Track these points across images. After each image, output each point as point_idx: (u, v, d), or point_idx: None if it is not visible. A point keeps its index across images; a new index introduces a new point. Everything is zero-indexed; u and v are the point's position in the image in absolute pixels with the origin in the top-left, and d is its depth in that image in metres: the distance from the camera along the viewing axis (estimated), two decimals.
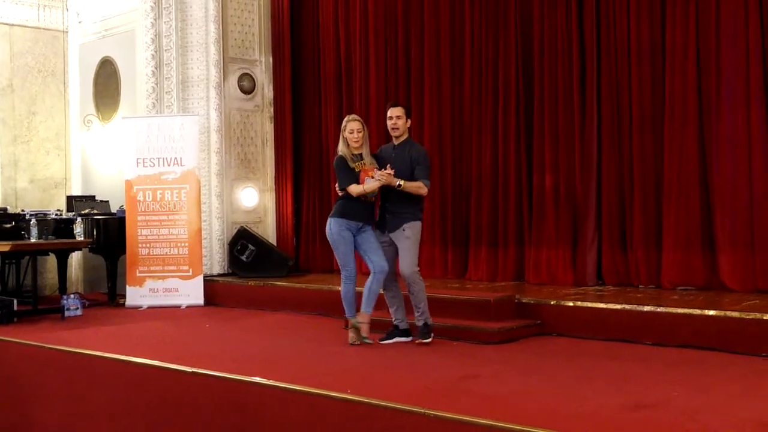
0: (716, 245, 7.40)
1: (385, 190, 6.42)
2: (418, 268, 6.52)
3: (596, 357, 5.93)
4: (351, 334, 6.55)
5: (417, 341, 6.44)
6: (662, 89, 7.71)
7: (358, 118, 6.64)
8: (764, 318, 5.81)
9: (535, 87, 8.47)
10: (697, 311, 6.17)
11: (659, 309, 6.37)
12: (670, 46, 7.65)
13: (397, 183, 6.31)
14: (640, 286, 7.75)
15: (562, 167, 8.26)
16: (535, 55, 8.46)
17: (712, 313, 6.09)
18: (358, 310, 6.56)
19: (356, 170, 6.46)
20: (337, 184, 6.61)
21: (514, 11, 8.64)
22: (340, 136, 6.57)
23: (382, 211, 6.59)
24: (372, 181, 6.37)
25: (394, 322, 6.66)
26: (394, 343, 6.53)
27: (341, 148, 6.55)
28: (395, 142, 6.61)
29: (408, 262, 6.43)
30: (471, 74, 8.99)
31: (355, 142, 6.48)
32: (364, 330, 6.44)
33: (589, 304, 6.80)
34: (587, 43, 8.14)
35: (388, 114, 6.59)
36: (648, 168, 7.81)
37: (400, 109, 6.57)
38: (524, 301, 7.12)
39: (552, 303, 6.95)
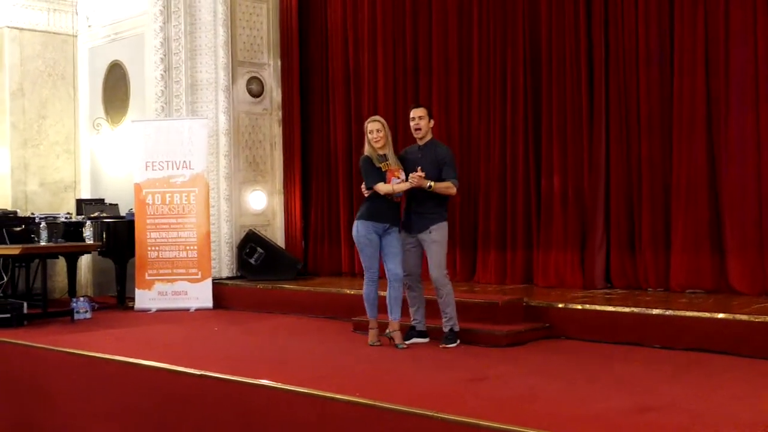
0: (725, 248, 7.38)
1: (413, 190, 6.43)
2: (447, 272, 6.53)
3: (604, 360, 5.92)
4: (371, 335, 6.63)
5: (441, 346, 6.43)
6: (670, 91, 7.70)
7: (380, 118, 6.66)
8: None
9: (543, 89, 8.47)
10: (706, 314, 6.15)
11: (668, 312, 6.36)
12: (678, 48, 7.64)
13: (428, 184, 6.33)
14: (649, 289, 7.73)
15: (571, 170, 8.25)
16: (543, 57, 8.46)
17: (720, 316, 6.08)
18: (380, 311, 6.60)
19: (382, 170, 6.47)
20: (363, 184, 6.61)
21: (522, 13, 8.64)
22: (366, 138, 6.58)
23: (407, 212, 6.61)
24: (402, 182, 6.39)
25: (412, 323, 6.67)
26: (410, 344, 6.54)
27: (367, 149, 6.56)
28: (419, 143, 6.63)
29: (437, 265, 6.44)
30: (479, 77, 9.00)
31: (376, 141, 6.49)
32: (398, 338, 6.48)
33: (598, 307, 6.79)
34: (595, 45, 8.13)
35: (411, 115, 6.61)
36: (656, 170, 7.80)
37: (422, 110, 6.59)
38: (532, 304, 7.11)
39: (560, 306, 6.94)
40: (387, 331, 6.56)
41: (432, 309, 6.68)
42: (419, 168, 6.36)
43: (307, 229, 10.74)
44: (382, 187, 6.41)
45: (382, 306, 6.62)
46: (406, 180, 6.40)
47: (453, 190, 6.50)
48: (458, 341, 6.46)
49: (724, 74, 7.38)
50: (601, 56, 8.08)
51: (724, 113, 7.39)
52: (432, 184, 6.35)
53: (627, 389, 4.92)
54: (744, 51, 7.26)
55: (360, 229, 6.51)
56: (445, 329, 6.49)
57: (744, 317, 5.97)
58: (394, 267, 6.47)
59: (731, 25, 7.35)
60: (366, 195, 6.57)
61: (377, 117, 6.71)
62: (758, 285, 7.14)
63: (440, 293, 6.47)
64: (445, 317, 6.49)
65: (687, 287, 7.49)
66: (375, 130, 6.49)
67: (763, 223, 7.17)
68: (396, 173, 6.45)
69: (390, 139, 6.58)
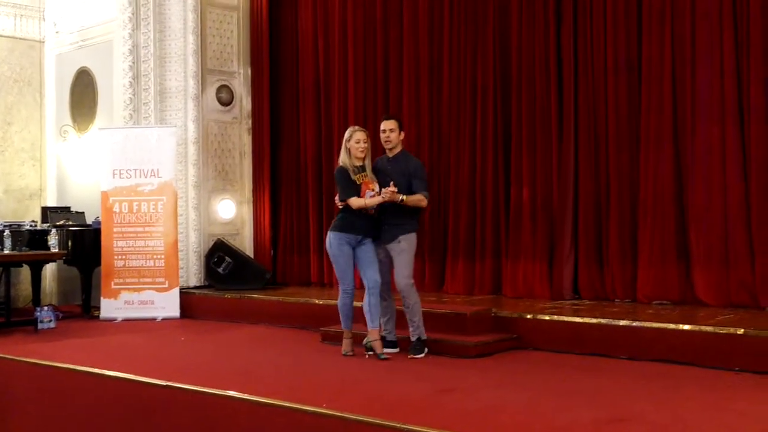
0: (691, 260, 7.46)
1: (384, 202, 6.42)
2: (413, 281, 6.53)
3: (571, 371, 5.94)
4: (345, 345, 6.61)
5: (409, 356, 6.42)
6: (638, 104, 7.78)
7: (364, 129, 6.67)
8: (737, 333, 5.85)
9: (513, 100, 8.52)
10: (672, 326, 6.21)
11: (634, 323, 6.41)
12: (646, 62, 7.72)
13: (400, 198, 6.33)
14: (616, 300, 7.78)
15: (540, 180, 8.30)
16: (513, 68, 8.51)
17: (686, 327, 6.13)
18: (355, 322, 6.60)
19: (357, 182, 6.46)
20: (337, 196, 6.61)
21: (492, 24, 8.69)
22: (342, 147, 6.57)
23: (378, 223, 6.60)
24: (375, 195, 6.38)
25: (383, 333, 6.65)
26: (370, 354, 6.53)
27: (343, 159, 6.55)
28: (389, 154, 6.63)
29: (403, 274, 6.45)
30: (449, 87, 9.03)
31: (361, 152, 6.49)
32: (378, 347, 6.45)
33: (566, 318, 6.82)
34: (565, 56, 8.19)
35: (381, 127, 6.61)
36: (624, 182, 7.87)
37: (393, 122, 6.60)
38: (501, 314, 7.13)
39: (528, 317, 6.97)
40: (365, 340, 6.54)
41: (401, 319, 6.68)
42: (392, 183, 6.36)
43: (276, 238, 10.69)
44: (354, 202, 6.41)
45: (356, 317, 6.60)
46: (380, 192, 6.39)
47: (424, 203, 6.52)
48: (426, 350, 6.46)
49: (691, 89, 7.47)
50: (570, 68, 8.15)
51: (690, 127, 7.48)
52: (404, 198, 6.35)
53: (594, 401, 4.94)
54: (709, 66, 7.36)
55: (333, 240, 6.51)
56: (413, 338, 6.49)
57: (709, 329, 6.03)
58: (372, 274, 6.46)
59: (697, 40, 7.44)
60: (339, 206, 6.56)
61: (361, 128, 6.72)
62: (723, 296, 7.22)
63: (406, 302, 6.47)
64: (413, 326, 6.49)
65: (654, 299, 7.55)
66: (362, 140, 6.49)
67: (728, 236, 7.26)
68: (370, 186, 6.45)
69: (369, 150, 6.59)
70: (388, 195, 6.30)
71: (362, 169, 6.52)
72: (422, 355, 6.42)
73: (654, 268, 7.59)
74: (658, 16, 7.64)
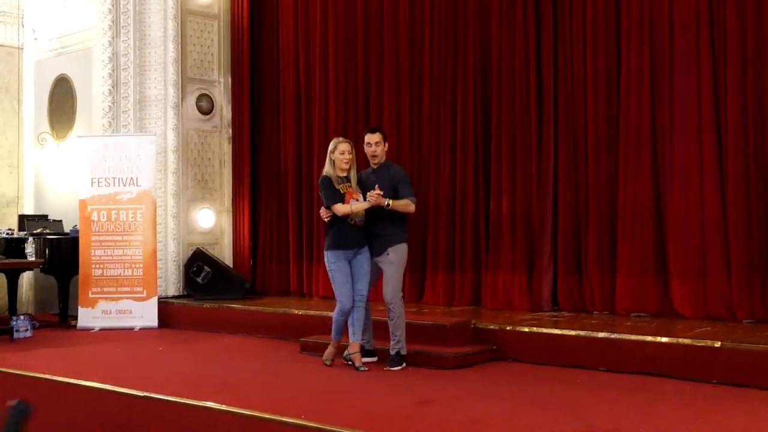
0: (669, 272, 7.50)
1: (371, 212, 6.41)
2: (402, 294, 6.52)
3: (551, 383, 5.95)
4: (327, 352, 6.64)
5: (386, 368, 6.40)
6: (617, 116, 7.83)
7: (348, 140, 6.67)
8: (714, 345, 5.89)
9: (492, 112, 8.55)
10: (650, 338, 6.25)
11: (613, 336, 6.44)
12: (625, 74, 7.78)
13: (386, 202, 6.33)
14: (595, 312, 7.81)
15: (519, 192, 8.32)
16: (493, 80, 8.55)
17: (664, 340, 6.17)
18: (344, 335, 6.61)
19: (341, 191, 6.45)
20: (322, 208, 6.59)
21: (472, 37, 8.72)
22: (327, 158, 6.56)
23: (368, 232, 6.58)
24: (360, 202, 6.37)
25: (361, 342, 6.63)
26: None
27: (327, 170, 6.54)
28: (373, 166, 6.63)
29: (391, 287, 6.45)
30: (430, 98, 9.05)
31: (346, 164, 6.50)
32: (357, 360, 6.43)
33: (545, 330, 6.85)
34: (544, 68, 8.24)
35: (366, 140, 6.60)
36: (603, 194, 7.91)
37: (378, 135, 6.59)
38: (480, 326, 7.14)
39: (508, 328, 6.99)
40: (345, 353, 6.52)
41: (379, 330, 6.67)
42: (377, 186, 6.35)
43: (255, 248, 10.65)
44: (340, 208, 6.38)
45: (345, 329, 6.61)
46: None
47: (412, 207, 6.51)
48: (404, 364, 6.44)
49: (669, 101, 7.54)
50: (549, 81, 8.19)
51: (668, 139, 7.54)
52: (390, 202, 6.35)
53: (572, 413, 4.95)
54: (687, 80, 7.43)
55: (331, 258, 6.49)
56: (392, 351, 6.48)
57: (687, 341, 6.07)
58: (361, 288, 6.46)
59: (675, 53, 7.51)
60: (326, 220, 6.55)
61: (346, 139, 6.73)
62: (700, 309, 7.27)
63: (392, 315, 6.45)
64: (394, 339, 6.47)
65: (632, 311, 7.59)
66: (347, 151, 6.50)
67: (705, 248, 7.31)
68: (354, 196, 6.45)
69: (355, 161, 6.59)
70: (374, 199, 6.29)
71: (347, 180, 6.52)
72: (399, 368, 6.40)
73: (632, 280, 7.63)
74: (636, 29, 7.70)
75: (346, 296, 6.45)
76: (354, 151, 6.57)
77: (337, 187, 6.47)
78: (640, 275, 7.59)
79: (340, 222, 6.44)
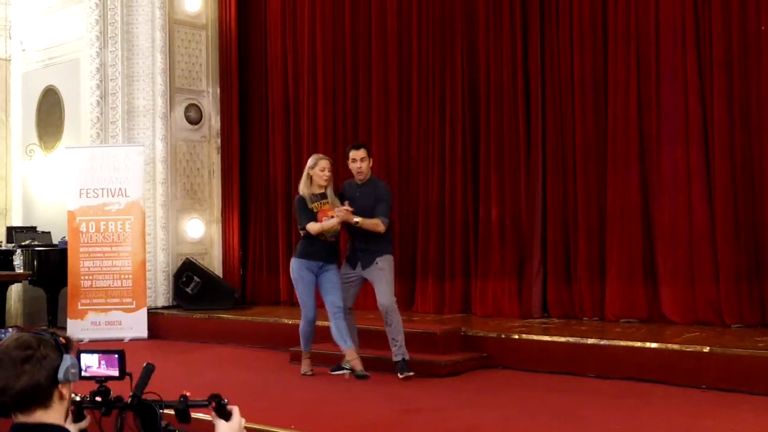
0: (658, 278, 7.52)
1: (356, 228, 6.41)
2: (395, 298, 6.53)
3: (540, 390, 5.96)
4: (303, 365, 6.64)
5: (403, 375, 6.31)
6: (605, 124, 7.86)
7: (328, 158, 6.76)
8: (703, 351, 5.92)
9: (481, 121, 8.57)
10: (639, 344, 6.26)
11: (602, 342, 6.45)
12: (612, 81, 7.82)
13: (354, 220, 6.32)
14: (585, 319, 7.83)
15: (508, 200, 8.34)
16: (481, 89, 8.57)
17: (653, 345, 6.19)
18: (318, 342, 6.64)
19: (315, 210, 6.51)
20: (298, 225, 6.66)
21: (461, 46, 8.74)
22: (304, 174, 6.62)
23: (353, 250, 6.60)
24: (329, 219, 6.39)
25: (354, 349, 6.61)
26: (338, 374, 6.49)
27: (302, 189, 6.61)
28: (358, 182, 6.64)
29: (386, 293, 6.42)
30: (418, 107, 9.07)
31: (324, 180, 6.56)
32: (357, 366, 6.36)
33: (534, 337, 6.86)
34: (532, 77, 8.27)
35: (351, 156, 6.60)
36: (591, 201, 7.94)
37: (363, 151, 6.59)
38: (470, 333, 7.14)
39: (497, 336, 6.99)
40: (345, 361, 6.43)
41: (362, 339, 6.70)
42: (347, 202, 6.37)
43: (245, 257, 10.63)
44: (312, 227, 6.47)
45: (321, 338, 6.60)
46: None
47: (381, 228, 6.43)
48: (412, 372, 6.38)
49: (656, 108, 7.57)
50: (537, 89, 8.22)
51: (656, 146, 7.57)
52: (359, 220, 6.35)
53: (562, 420, 4.96)
54: (674, 87, 7.47)
55: (294, 266, 6.64)
56: (397, 358, 6.40)
57: (675, 346, 6.09)
58: (335, 299, 6.48)
59: (661, 60, 7.55)
60: (302, 234, 6.64)
61: (325, 156, 6.79)
62: (689, 314, 7.29)
63: (390, 321, 6.41)
64: (395, 346, 6.42)
65: (621, 317, 7.60)
66: (327, 168, 6.56)
67: (693, 254, 7.34)
68: (329, 213, 6.47)
69: (332, 177, 6.65)
70: (342, 214, 6.30)
71: (323, 196, 6.56)
72: (412, 374, 6.31)
73: (621, 286, 7.65)
74: (623, 36, 7.74)
75: (308, 306, 6.57)
76: (333, 168, 6.65)
77: (311, 205, 6.53)
78: (629, 281, 7.61)
79: (311, 236, 6.52)
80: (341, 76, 9.76)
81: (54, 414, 2.22)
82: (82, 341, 9.21)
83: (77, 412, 2.54)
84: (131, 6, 9.98)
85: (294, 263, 6.63)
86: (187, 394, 2.55)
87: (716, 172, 7.24)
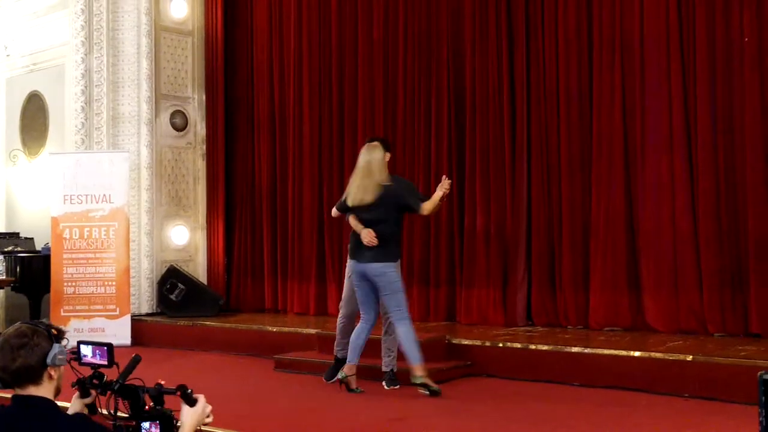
0: (641, 287, 7.55)
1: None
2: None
3: (525, 398, 5.97)
4: (351, 380, 6.34)
5: (389, 387, 6.30)
6: (590, 133, 7.90)
7: None
8: (687, 359, 5.94)
9: (466, 129, 8.59)
10: (623, 352, 6.29)
11: (586, 350, 6.47)
12: (597, 91, 7.86)
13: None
14: (569, 327, 7.84)
15: (493, 208, 8.35)
16: (467, 98, 8.59)
17: (637, 354, 6.21)
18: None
19: None
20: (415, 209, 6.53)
21: (446, 54, 8.76)
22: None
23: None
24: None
25: (338, 354, 6.60)
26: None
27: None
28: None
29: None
30: (404, 116, 9.08)
31: None
32: (353, 383, 6.24)
33: (519, 345, 6.87)
34: (517, 85, 8.30)
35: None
36: (576, 209, 7.97)
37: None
38: (455, 341, 7.15)
39: (482, 344, 7.00)
40: (342, 373, 6.32)
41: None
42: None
43: (230, 264, 10.60)
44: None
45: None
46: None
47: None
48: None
49: (641, 118, 7.61)
50: (523, 97, 8.26)
51: (640, 156, 7.61)
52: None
53: (546, 428, 4.97)
54: (658, 97, 7.51)
55: (398, 269, 6.50)
56: (387, 368, 6.38)
57: (659, 355, 6.12)
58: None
59: (646, 71, 7.60)
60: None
61: None
62: (673, 323, 7.33)
63: (391, 330, 6.36)
64: (390, 356, 6.41)
65: (605, 325, 7.63)
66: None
67: (677, 263, 7.37)
68: None
69: None
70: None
71: None
72: (398, 386, 6.31)
73: (605, 294, 7.67)
74: (608, 47, 7.78)
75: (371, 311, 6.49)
76: None
77: None
78: (613, 290, 7.64)
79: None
80: (327, 84, 9.76)
81: (44, 389, 2.78)
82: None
83: (82, 389, 3.14)
84: (117, 12, 9.95)
85: (397, 267, 6.42)
86: (162, 382, 3.16)
87: (700, 181, 7.28)
